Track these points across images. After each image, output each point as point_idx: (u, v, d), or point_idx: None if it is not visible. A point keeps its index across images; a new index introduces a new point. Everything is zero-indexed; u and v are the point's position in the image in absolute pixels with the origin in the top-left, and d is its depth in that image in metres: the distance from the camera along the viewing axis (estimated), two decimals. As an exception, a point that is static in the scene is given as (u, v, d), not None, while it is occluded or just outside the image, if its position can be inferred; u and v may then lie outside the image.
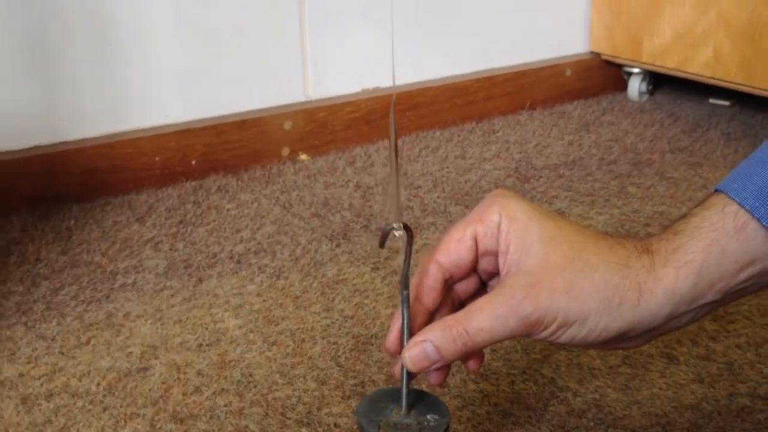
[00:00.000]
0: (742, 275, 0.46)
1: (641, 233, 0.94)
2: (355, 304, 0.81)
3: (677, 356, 0.71)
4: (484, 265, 0.50)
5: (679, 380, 0.68)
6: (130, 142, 1.08)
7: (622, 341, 0.48)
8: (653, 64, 1.36)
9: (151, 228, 0.98)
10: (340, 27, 1.21)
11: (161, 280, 0.87)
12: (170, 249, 0.93)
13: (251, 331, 0.77)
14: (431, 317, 0.51)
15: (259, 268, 0.88)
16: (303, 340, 0.75)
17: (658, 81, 1.44)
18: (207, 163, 1.13)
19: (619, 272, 0.46)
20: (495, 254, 0.49)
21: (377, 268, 0.88)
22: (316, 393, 0.68)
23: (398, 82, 1.28)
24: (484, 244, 0.49)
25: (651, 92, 1.43)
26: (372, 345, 0.74)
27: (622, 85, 1.45)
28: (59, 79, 1.04)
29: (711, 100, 1.38)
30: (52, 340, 0.76)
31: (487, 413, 0.65)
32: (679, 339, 0.73)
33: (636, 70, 1.41)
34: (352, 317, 0.79)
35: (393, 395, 0.52)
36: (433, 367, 0.48)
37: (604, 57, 1.43)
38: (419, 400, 0.52)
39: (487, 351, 0.71)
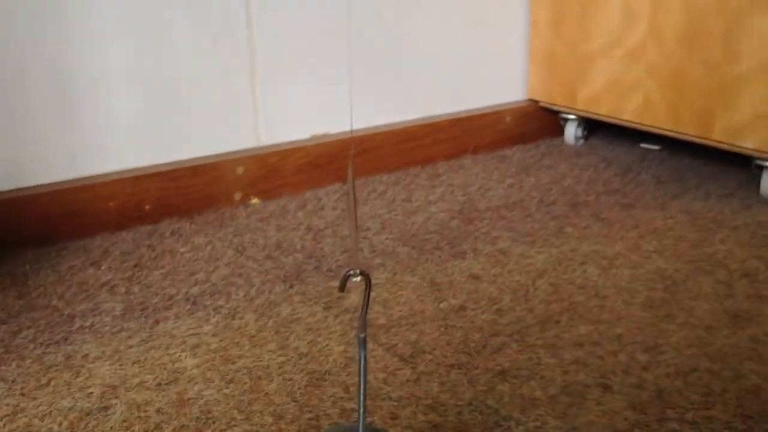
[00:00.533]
0: None
1: (578, 271, 0.99)
2: (309, 342, 0.84)
3: (611, 385, 0.76)
4: None
5: (614, 407, 0.73)
6: (86, 188, 1.10)
7: None
8: (587, 111, 1.43)
9: (107, 272, 1.00)
10: (289, 76, 1.26)
11: (118, 322, 0.89)
12: (126, 292, 0.96)
13: (209, 370, 0.80)
14: None
15: (215, 309, 0.91)
16: (259, 377, 0.78)
17: (592, 126, 1.52)
18: (161, 207, 1.16)
19: None
20: None
21: (329, 307, 0.91)
22: (273, 427, 0.71)
23: (347, 128, 1.32)
24: None
25: (586, 137, 1.51)
26: (326, 381, 0.78)
27: (558, 131, 1.53)
28: (17, 127, 1.06)
29: (642, 145, 1.46)
30: (13, 382, 0.78)
31: (436, 442, 0.68)
32: (613, 370, 0.78)
33: (571, 117, 1.48)
34: (306, 354, 0.82)
35: (349, 431, 0.56)
36: None
37: (541, 104, 1.51)
38: None
39: (435, 384, 0.76)
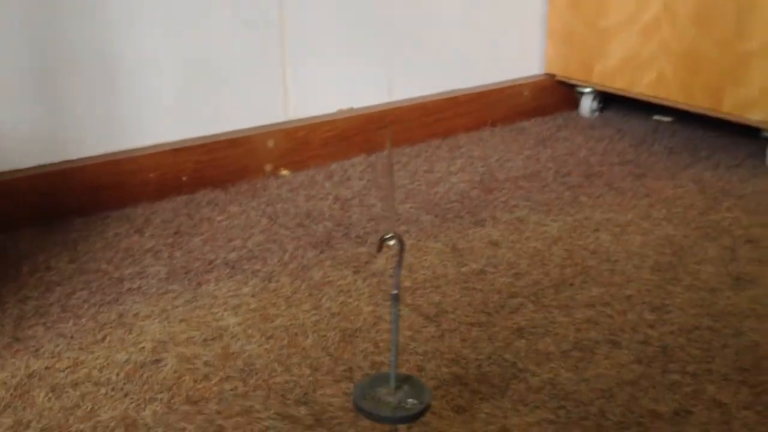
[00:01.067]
0: None
1: (591, 237, 1.05)
2: (341, 303, 0.91)
3: (620, 341, 0.82)
4: None
5: (621, 361, 0.79)
6: (127, 160, 1.17)
7: None
8: (603, 85, 1.49)
9: (150, 238, 1.08)
10: (317, 55, 1.32)
11: (163, 284, 0.96)
12: (169, 257, 1.03)
13: (249, 327, 0.87)
14: None
15: (252, 273, 0.99)
16: (296, 334, 0.86)
17: (607, 100, 1.57)
18: (197, 179, 1.23)
19: None
20: None
21: (358, 271, 0.98)
22: (311, 378, 0.78)
23: (371, 103, 1.38)
24: None
25: (601, 110, 1.56)
26: (357, 337, 0.85)
27: (574, 104, 1.58)
28: (63, 103, 1.13)
29: (655, 117, 1.51)
30: (71, 337, 0.86)
31: (458, 391, 0.75)
32: (621, 328, 0.85)
33: (587, 90, 1.54)
34: (338, 314, 0.89)
35: (388, 378, 0.62)
36: None
37: (558, 78, 1.56)
38: (407, 382, 0.62)
39: (457, 340, 0.83)
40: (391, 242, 0.59)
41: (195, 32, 1.21)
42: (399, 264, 0.59)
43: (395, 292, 0.60)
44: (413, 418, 0.60)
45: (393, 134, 1.38)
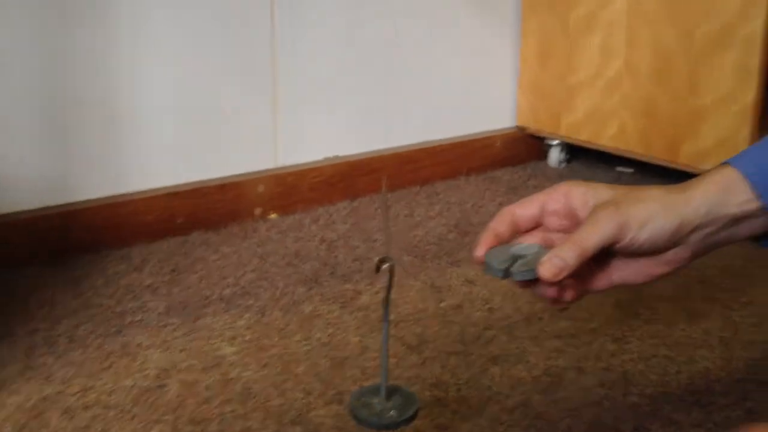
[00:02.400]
0: (753, 203, 0.66)
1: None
2: (329, 334, 0.99)
3: (585, 368, 0.91)
4: (551, 221, 0.70)
5: (586, 385, 0.87)
6: (126, 203, 1.25)
7: (674, 247, 0.66)
8: (570, 137, 1.59)
9: (149, 276, 1.15)
10: (306, 106, 1.41)
11: (163, 318, 1.03)
12: (167, 293, 1.10)
13: (246, 356, 0.94)
14: (498, 242, 0.69)
15: (246, 307, 1.06)
16: (289, 362, 0.93)
17: (574, 151, 1.67)
18: (191, 221, 1.30)
19: (667, 190, 0.67)
20: (561, 214, 0.69)
21: (345, 306, 1.06)
22: (304, 401, 0.85)
23: (355, 151, 1.48)
24: (551, 206, 0.69)
25: (568, 161, 1.66)
26: (346, 365, 0.92)
27: (543, 155, 1.68)
28: (67, 148, 1.21)
29: (618, 168, 1.62)
30: (80, 365, 0.92)
31: (440, 412, 0.83)
32: (586, 356, 0.93)
33: (555, 142, 1.64)
34: (327, 344, 0.97)
35: (373, 389, 0.69)
36: (563, 274, 0.63)
37: (528, 131, 1.66)
38: (396, 393, 0.69)
39: (437, 367, 0.90)
40: (385, 264, 0.66)
41: (192, 81, 1.29)
42: (389, 285, 0.66)
43: (386, 308, 0.67)
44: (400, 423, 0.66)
45: (376, 181, 1.47)
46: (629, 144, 1.48)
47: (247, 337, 0.98)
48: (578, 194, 0.68)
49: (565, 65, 1.57)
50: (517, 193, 1.50)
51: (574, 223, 0.68)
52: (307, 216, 1.38)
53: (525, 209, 0.70)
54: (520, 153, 1.66)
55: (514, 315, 1.03)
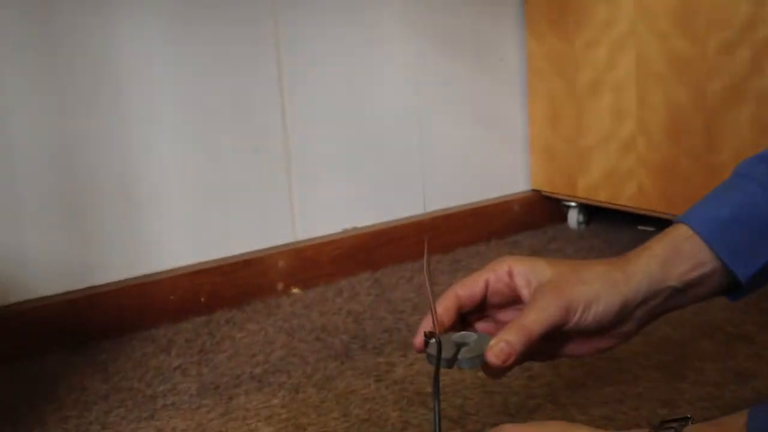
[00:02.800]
0: (696, 271, 0.66)
1: (595, 340, 1.12)
2: (368, 409, 0.96)
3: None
4: (493, 300, 0.69)
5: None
6: (149, 284, 1.24)
7: (620, 324, 0.66)
8: (587, 199, 1.59)
9: (177, 357, 1.13)
10: (321, 179, 1.41)
11: (195, 399, 1.01)
12: (197, 374, 1.08)
13: (285, 436, 0.91)
14: (442, 329, 0.67)
15: (279, 385, 1.03)
16: (330, 441, 0.90)
17: (593, 212, 1.67)
18: (214, 299, 1.29)
19: (608, 267, 0.66)
20: (503, 294, 0.68)
21: (380, 380, 1.04)
22: (351, 480, 0.83)
23: (373, 221, 1.47)
24: (495, 286, 0.68)
25: (587, 222, 1.66)
26: (389, 440, 0.90)
27: (563, 217, 1.68)
28: (86, 230, 1.20)
29: (639, 227, 1.61)
30: (116, 453, 0.89)
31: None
32: (637, 422, 0.91)
33: (573, 204, 1.64)
34: (367, 419, 0.94)
35: None
36: (511, 359, 0.62)
37: (544, 193, 1.66)
38: None
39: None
40: (432, 340, 0.65)
41: (207, 160, 1.30)
42: (439, 357, 0.65)
43: (436, 383, 0.65)
44: None
45: (396, 251, 1.46)
46: (649, 203, 1.48)
47: (284, 416, 0.96)
48: (520, 273, 0.68)
49: (575, 127, 1.58)
50: (540, 256, 1.48)
51: (515, 301, 0.69)
52: (330, 289, 1.36)
53: (468, 289, 0.69)
54: (538, 216, 1.66)
55: (556, 381, 1.01)
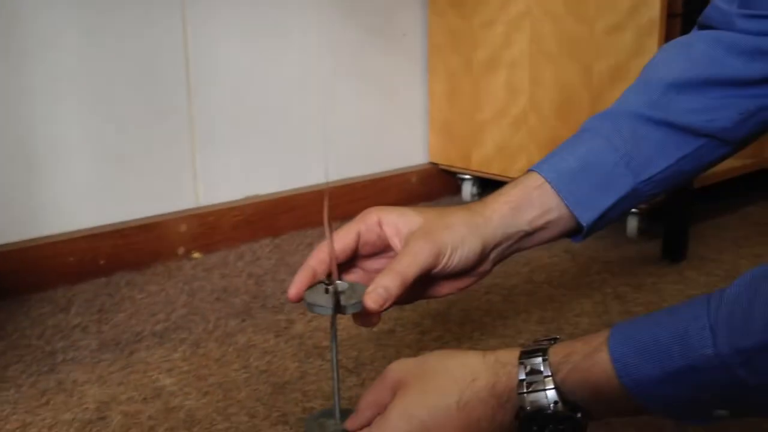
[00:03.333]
0: (543, 218, 0.72)
1: (483, 299, 1.19)
2: (267, 361, 1.00)
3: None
4: (363, 250, 0.73)
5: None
6: (46, 245, 1.23)
7: (478, 265, 0.71)
8: (481, 171, 1.66)
9: (76, 316, 1.13)
10: (224, 146, 1.43)
11: (96, 354, 1.02)
12: (97, 331, 1.09)
13: (185, 386, 0.94)
14: (315, 279, 0.70)
15: (180, 341, 1.06)
16: (230, 389, 0.93)
17: (485, 185, 1.74)
18: (114, 261, 1.29)
19: (469, 212, 0.71)
20: (374, 244, 0.72)
21: (280, 335, 1.07)
22: (249, 424, 0.86)
23: (274, 190, 1.50)
24: (365, 236, 0.72)
25: (480, 194, 1.73)
26: (286, 389, 0.93)
27: (457, 189, 1.75)
28: (-17, 191, 1.19)
29: (528, 199, 1.69)
30: (15, 403, 0.90)
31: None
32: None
33: (467, 177, 1.71)
34: (266, 371, 0.98)
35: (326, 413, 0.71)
36: (388, 303, 0.65)
37: (441, 166, 1.73)
38: (348, 414, 0.71)
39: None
40: (341, 287, 0.69)
41: (110, 123, 1.30)
42: (336, 304, 0.69)
43: (333, 329, 0.70)
44: None
45: (297, 218, 1.49)
46: (538, 175, 1.56)
47: (185, 368, 0.98)
48: (389, 222, 0.72)
49: (472, 103, 1.64)
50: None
51: (385, 250, 0.73)
52: (231, 254, 1.39)
53: (342, 242, 0.72)
54: (435, 188, 1.72)
55: (445, 335, 1.07)
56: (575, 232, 0.75)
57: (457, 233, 0.69)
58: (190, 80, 1.37)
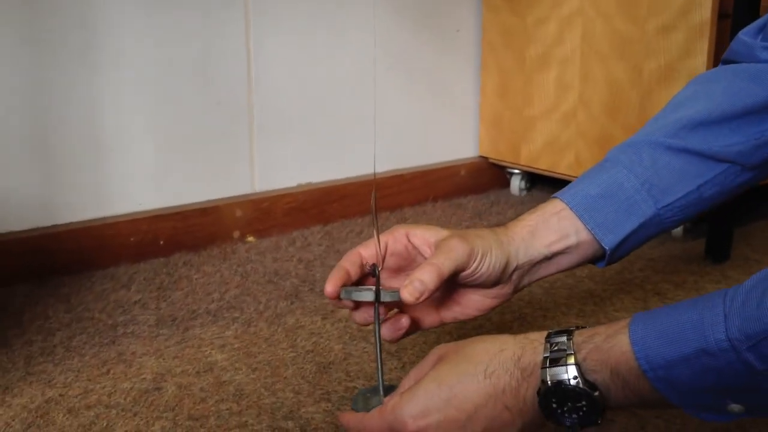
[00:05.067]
0: (562, 242, 0.75)
1: (525, 291, 1.22)
2: (313, 342, 1.05)
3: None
4: (389, 262, 0.77)
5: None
6: (111, 225, 1.30)
7: (501, 282, 0.75)
8: (529, 166, 1.69)
9: (136, 293, 1.20)
10: (280, 135, 1.48)
11: (154, 329, 1.09)
12: (156, 308, 1.15)
13: (236, 362, 1.00)
14: (348, 280, 0.74)
15: (233, 320, 1.12)
16: (277, 367, 0.99)
17: (534, 180, 1.77)
18: (173, 243, 1.36)
19: (493, 231, 0.75)
20: (401, 255, 0.76)
21: (326, 318, 1.12)
22: (294, 399, 0.91)
23: (327, 179, 1.55)
24: (393, 247, 0.76)
25: (528, 189, 1.76)
26: (331, 369, 0.98)
27: (505, 183, 1.78)
28: (55, 172, 1.26)
29: (575, 195, 1.72)
30: (78, 371, 0.97)
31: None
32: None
33: (516, 171, 1.74)
34: (312, 351, 1.03)
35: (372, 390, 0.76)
36: (425, 296, 0.68)
37: (490, 160, 1.76)
38: (392, 390, 0.75)
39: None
40: (377, 269, 0.74)
41: (172, 109, 1.36)
42: (378, 286, 0.73)
43: (377, 311, 0.74)
44: None
45: (347, 207, 1.54)
46: (585, 172, 1.58)
47: (236, 346, 1.04)
48: (418, 234, 0.76)
49: (522, 98, 1.67)
50: (482, 218, 1.59)
51: (411, 264, 0.77)
52: (283, 239, 1.44)
53: (371, 249, 0.76)
54: (483, 181, 1.75)
55: (485, 325, 1.11)
56: (598, 258, 0.78)
57: (487, 241, 0.73)
58: (251, 72, 1.42)
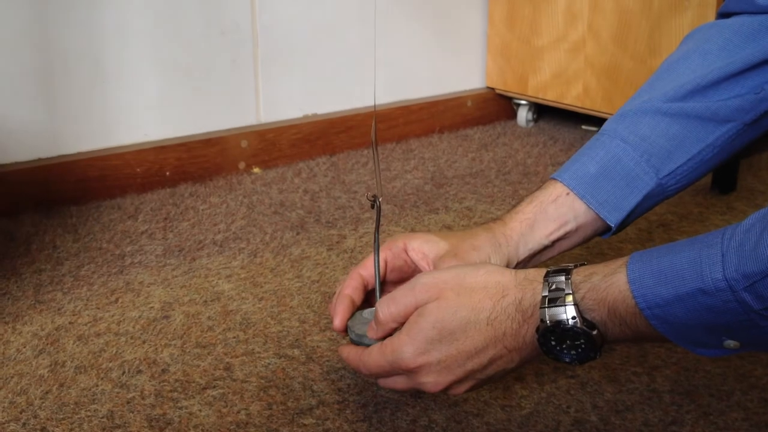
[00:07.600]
0: (561, 230, 0.75)
1: (530, 222, 1.22)
2: (319, 273, 1.06)
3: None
4: (391, 276, 0.77)
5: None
6: (116, 155, 1.30)
7: None
8: (537, 97, 1.67)
9: (143, 223, 1.21)
10: (285, 65, 1.47)
11: (161, 259, 1.10)
12: (163, 238, 1.16)
13: (242, 292, 1.01)
14: (354, 307, 0.74)
15: (239, 250, 1.13)
16: (283, 296, 1.00)
17: (541, 111, 1.76)
18: (179, 173, 1.36)
19: (491, 233, 0.75)
20: (401, 270, 0.77)
21: (331, 249, 1.13)
22: (299, 328, 0.93)
23: (332, 109, 1.54)
24: (392, 263, 0.77)
25: (536, 120, 1.75)
26: (336, 298, 0.99)
27: (512, 114, 1.76)
28: (59, 103, 1.26)
29: (583, 126, 1.71)
30: (87, 300, 0.98)
31: None
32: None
33: (523, 102, 1.72)
34: (317, 281, 1.04)
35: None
36: None
37: (497, 91, 1.74)
38: None
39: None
40: (379, 200, 0.74)
41: (177, 40, 1.35)
42: (378, 215, 0.74)
43: (376, 237, 0.74)
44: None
45: (353, 137, 1.54)
46: (593, 103, 1.57)
47: (243, 276, 1.05)
48: (415, 248, 0.76)
49: (530, 28, 1.65)
50: (489, 149, 1.58)
51: (411, 276, 0.74)
52: (289, 170, 1.45)
53: (370, 269, 0.75)
54: (490, 112, 1.74)
55: (490, 254, 1.11)
56: (602, 233, 0.78)
57: (483, 253, 0.73)
58: (255, 1, 1.40)
